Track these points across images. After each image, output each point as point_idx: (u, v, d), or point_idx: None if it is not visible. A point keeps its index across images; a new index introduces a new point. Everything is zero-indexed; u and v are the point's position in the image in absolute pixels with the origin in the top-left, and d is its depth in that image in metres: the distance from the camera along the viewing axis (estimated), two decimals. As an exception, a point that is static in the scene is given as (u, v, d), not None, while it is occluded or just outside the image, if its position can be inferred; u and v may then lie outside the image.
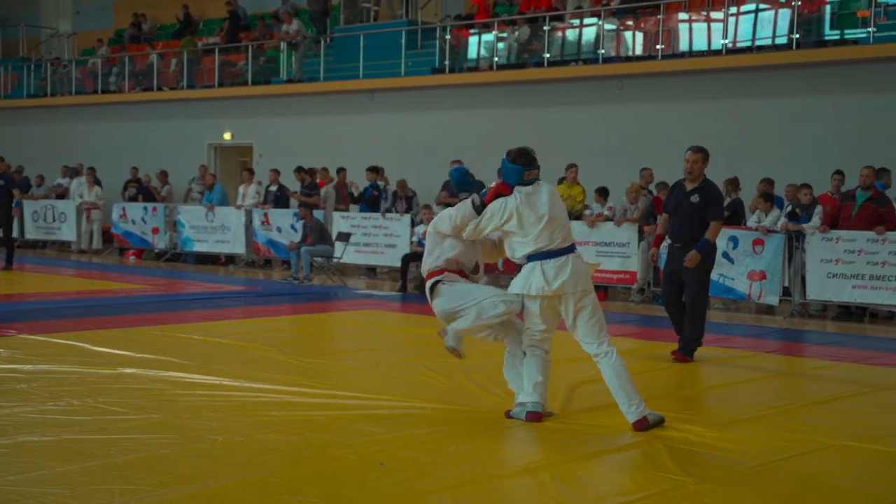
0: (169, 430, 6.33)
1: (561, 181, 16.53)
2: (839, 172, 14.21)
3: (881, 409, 7.70)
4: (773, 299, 13.67)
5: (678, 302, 9.48)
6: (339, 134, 23.05)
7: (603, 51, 19.12)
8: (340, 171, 19.38)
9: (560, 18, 20.32)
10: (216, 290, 15.16)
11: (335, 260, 16.60)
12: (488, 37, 21.01)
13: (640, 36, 19.22)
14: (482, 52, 21.06)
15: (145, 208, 21.42)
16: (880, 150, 15.37)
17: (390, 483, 5.30)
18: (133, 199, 22.33)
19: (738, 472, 5.62)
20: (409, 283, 15.25)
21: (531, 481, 5.40)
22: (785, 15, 17.32)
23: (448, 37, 21.45)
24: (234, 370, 8.33)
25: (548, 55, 19.90)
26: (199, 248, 20.41)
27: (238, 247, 19.77)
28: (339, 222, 17.98)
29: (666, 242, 9.89)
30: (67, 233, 22.84)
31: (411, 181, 18.73)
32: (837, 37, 17.12)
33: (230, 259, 20.44)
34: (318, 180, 19.15)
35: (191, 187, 22.24)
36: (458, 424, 6.61)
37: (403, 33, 22.33)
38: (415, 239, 15.83)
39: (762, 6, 17.70)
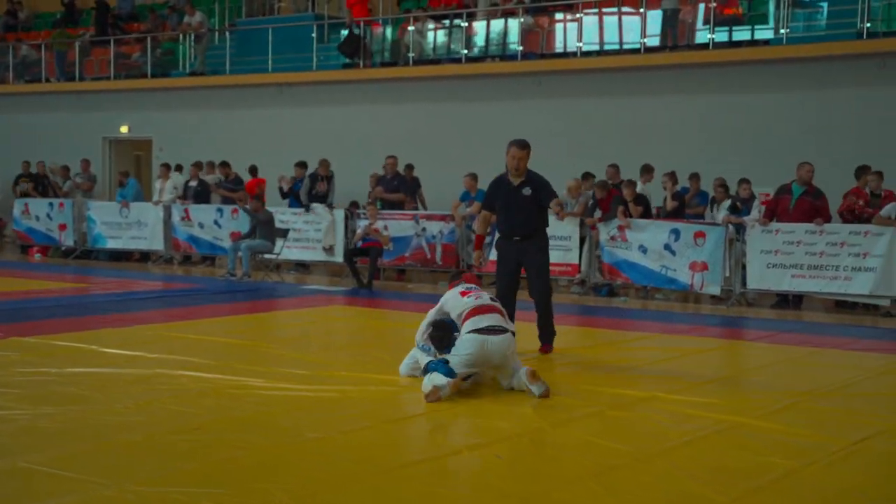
0: (262, 428, 6.34)
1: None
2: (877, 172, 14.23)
3: None
4: (714, 289, 14.29)
5: (515, 297, 9.38)
6: (247, 128, 22.85)
7: (521, 47, 19.50)
8: (408, 167, 18.06)
9: (473, 15, 20.64)
10: (162, 287, 14.95)
11: (275, 256, 16.48)
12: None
13: (554, 32, 19.69)
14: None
15: (51, 204, 20.77)
16: (798, 148, 16.30)
17: (513, 472, 5.51)
18: (25, 194, 21.58)
19: (829, 456, 5.91)
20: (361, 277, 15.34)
21: (659, 467, 5.65)
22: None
23: (359, 32, 21.47)
24: (262, 369, 8.30)
25: (465, 52, 20.19)
26: (112, 244, 19.92)
27: (156, 243, 19.38)
28: (268, 218, 17.81)
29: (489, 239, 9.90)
30: (-41, 229, 21.98)
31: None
32: (705, 39, 18.07)
33: (145, 256, 20.01)
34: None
35: (76, 181, 21.68)
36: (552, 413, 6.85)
37: (314, 27, 22.25)
38: (359, 232, 15.88)
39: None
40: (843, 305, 14.11)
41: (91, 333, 10.03)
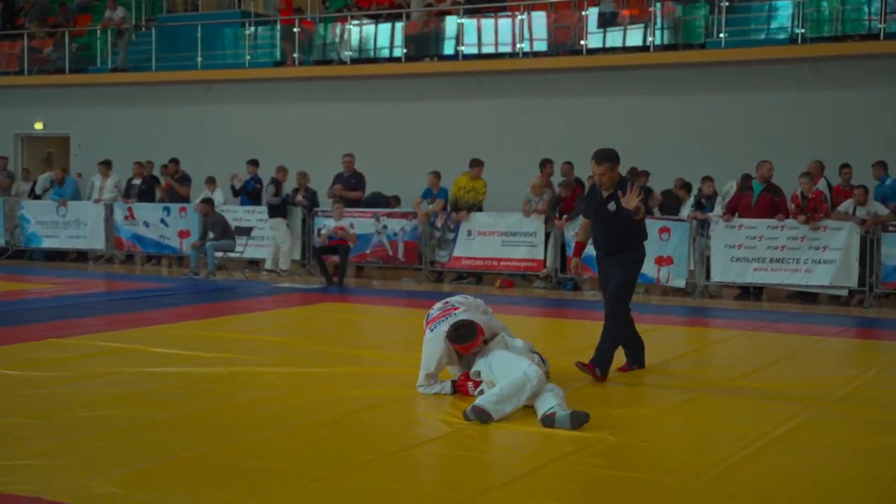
0: (405, 418, 6.61)
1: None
2: (846, 166, 15.24)
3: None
4: (679, 282, 14.93)
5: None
6: (173, 126, 22.50)
7: (463, 48, 19.82)
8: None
9: (408, 15, 20.85)
10: (137, 288, 14.70)
11: (238, 254, 16.42)
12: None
13: (494, 32, 20.07)
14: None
15: (-23, 204, 20.11)
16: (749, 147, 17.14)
17: (669, 463, 5.87)
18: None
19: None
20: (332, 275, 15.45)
21: (793, 451, 6.07)
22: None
23: (297, 29, 21.47)
24: (328, 363, 8.42)
25: (405, 50, 20.39)
26: (49, 244, 19.44)
27: (97, 242, 18.99)
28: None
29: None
30: None
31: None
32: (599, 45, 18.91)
33: (82, 255, 19.60)
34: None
35: None
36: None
37: (244, 24, 22.12)
38: (325, 232, 15.96)
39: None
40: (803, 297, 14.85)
41: (121, 333, 9.92)
